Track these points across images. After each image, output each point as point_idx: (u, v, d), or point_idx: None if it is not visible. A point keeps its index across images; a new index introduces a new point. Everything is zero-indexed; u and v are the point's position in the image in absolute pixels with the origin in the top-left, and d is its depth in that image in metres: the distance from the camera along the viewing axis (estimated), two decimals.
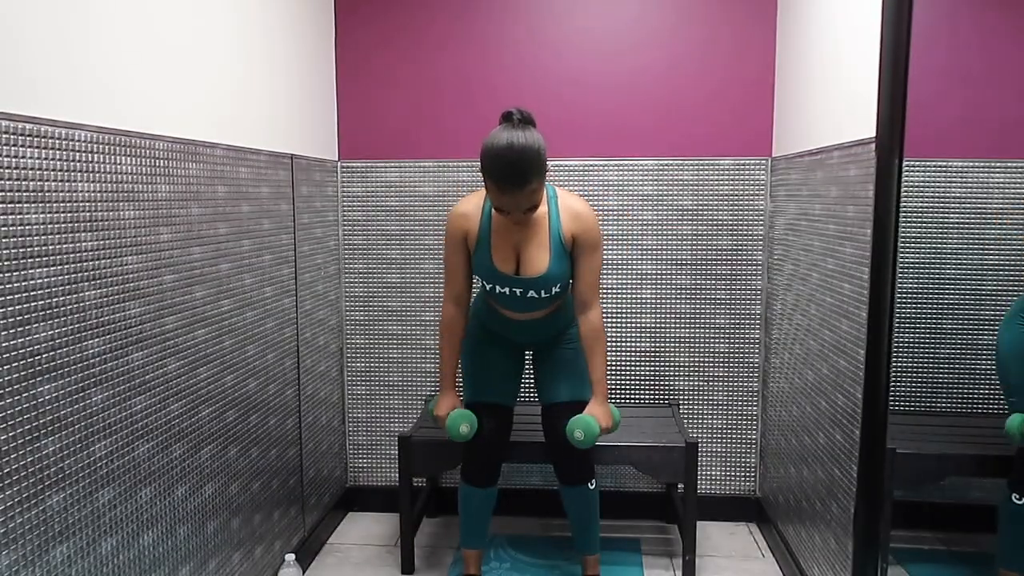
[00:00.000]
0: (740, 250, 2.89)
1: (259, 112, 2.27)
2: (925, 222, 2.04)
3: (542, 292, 2.20)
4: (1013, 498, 1.92)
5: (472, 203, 2.23)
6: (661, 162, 2.88)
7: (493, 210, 2.14)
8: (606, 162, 2.89)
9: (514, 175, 1.98)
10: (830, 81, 2.23)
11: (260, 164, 2.25)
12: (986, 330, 2.06)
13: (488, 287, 2.24)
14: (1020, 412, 1.92)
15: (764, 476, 2.93)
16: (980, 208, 2.05)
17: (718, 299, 2.91)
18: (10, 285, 1.29)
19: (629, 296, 2.92)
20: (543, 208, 2.18)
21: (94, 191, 1.50)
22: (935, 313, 2.08)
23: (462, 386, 2.42)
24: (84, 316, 1.48)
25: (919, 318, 2.08)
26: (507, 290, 2.21)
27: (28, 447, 1.34)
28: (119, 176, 1.58)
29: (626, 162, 2.88)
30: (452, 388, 2.31)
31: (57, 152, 1.40)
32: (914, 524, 2.20)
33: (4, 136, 1.27)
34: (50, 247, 1.38)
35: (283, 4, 2.44)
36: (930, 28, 1.76)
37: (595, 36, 2.86)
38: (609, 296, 2.91)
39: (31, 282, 1.34)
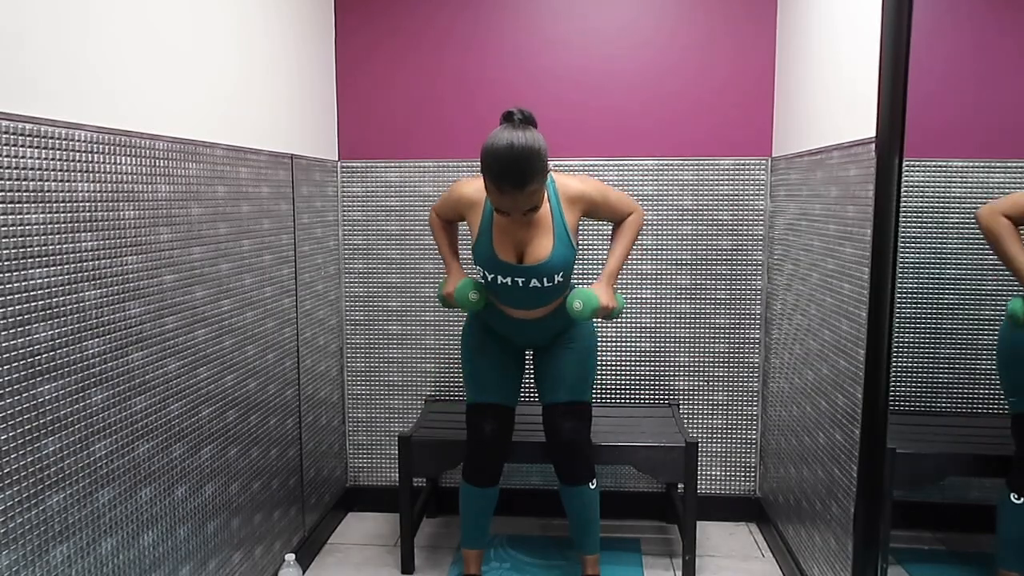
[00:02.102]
0: (740, 250, 2.89)
1: (259, 112, 2.27)
2: (925, 222, 2.04)
3: (544, 281, 2.19)
4: (1012, 498, 1.92)
5: (476, 187, 2.22)
6: (661, 162, 2.88)
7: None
8: (606, 162, 2.89)
9: (514, 176, 1.97)
10: (830, 81, 2.23)
11: (260, 164, 2.25)
12: (986, 330, 2.06)
13: (490, 278, 2.23)
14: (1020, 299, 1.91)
15: (764, 476, 2.93)
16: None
17: (718, 299, 2.92)
18: (10, 285, 1.29)
19: (629, 296, 2.92)
20: (544, 195, 2.17)
21: (94, 191, 1.50)
22: (935, 313, 2.08)
23: (462, 371, 2.43)
24: (84, 316, 1.48)
25: (919, 318, 2.08)
26: (509, 280, 2.20)
27: (28, 447, 1.34)
28: (119, 176, 1.58)
29: (626, 162, 2.88)
30: (457, 265, 2.37)
31: (57, 152, 1.40)
32: (914, 524, 2.19)
33: (4, 136, 1.27)
34: (50, 247, 1.38)
35: (283, 4, 2.43)
36: (930, 28, 1.76)
37: (595, 36, 2.86)
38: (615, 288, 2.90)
39: (31, 282, 1.34)
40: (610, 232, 2.88)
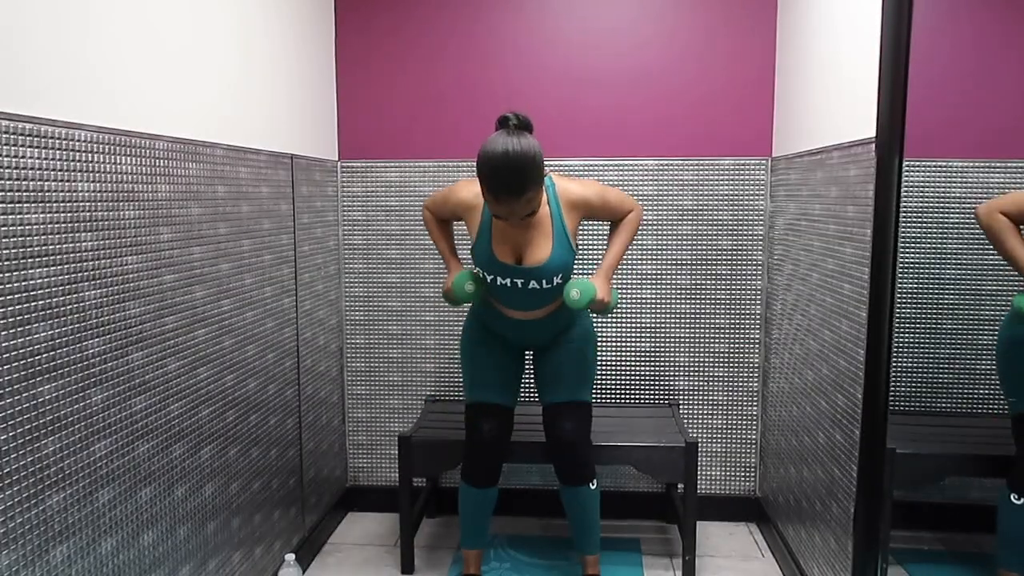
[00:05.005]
0: (740, 250, 2.89)
1: (259, 112, 2.27)
2: (925, 222, 2.04)
3: (543, 282, 2.19)
4: (1012, 498, 1.92)
5: (475, 191, 2.20)
6: (661, 162, 2.88)
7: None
8: (606, 162, 2.89)
9: (510, 185, 1.96)
10: (830, 81, 2.23)
11: (260, 164, 2.25)
12: (986, 330, 2.06)
13: (489, 279, 2.23)
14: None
15: (764, 476, 2.93)
16: None
17: (718, 299, 2.91)
18: (10, 285, 1.29)
19: (629, 296, 2.92)
20: (543, 198, 2.17)
21: (94, 191, 1.50)
22: (935, 313, 2.08)
23: (461, 371, 2.43)
24: (84, 316, 1.48)
25: (919, 318, 2.08)
26: (508, 282, 2.20)
27: (28, 447, 1.34)
28: (119, 176, 1.58)
29: (626, 162, 2.88)
30: (456, 261, 2.37)
31: (57, 152, 1.40)
32: (914, 524, 2.19)
33: (4, 136, 1.27)
34: (50, 247, 1.38)
35: (283, 4, 2.43)
36: (930, 28, 1.76)
37: (596, 36, 2.86)
38: (613, 287, 2.90)
39: (31, 282, 1.34)
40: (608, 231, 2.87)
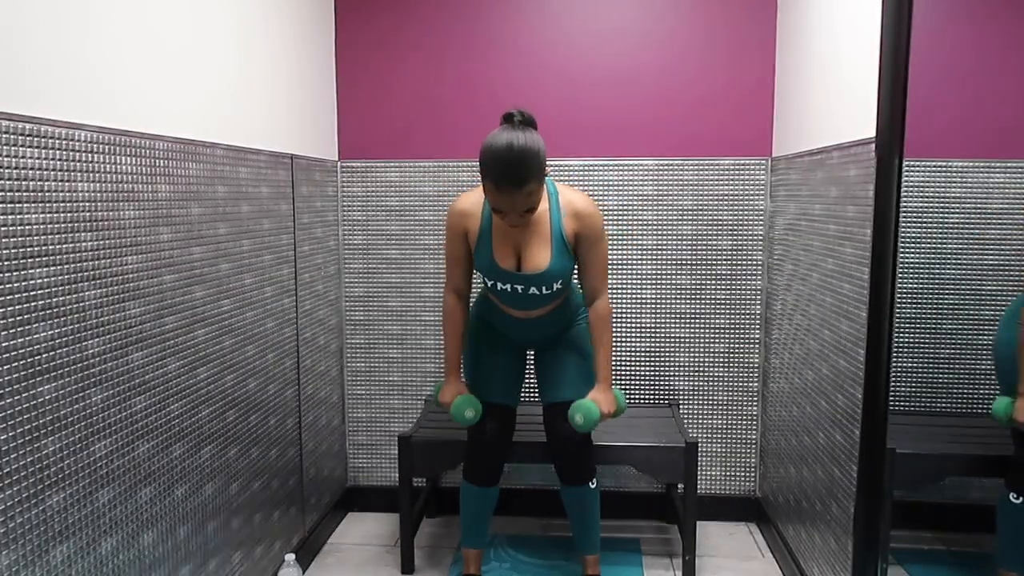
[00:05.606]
0: (740, 250, 2.89)
1: (259, 112, 2.27)
2: (925, 222, 2.04)
3: (543, 288, 2.20)
4: (1012, 498, 1.92)
5: (472, 200, 2.23)
6: (661, 162, 2.88)
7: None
8: (606, 162, 2.89)
9: (512, 176, 1.97)
10: (830, 81, 2.23)
11: (260, 164, 2.25)
12: (986, 330, 2.06)
13: (489, 284, 2.24)
14: (1006, 396, 1.92)
15: (764, 476, 2.93)
16: (980, 208, 2.04)
17: (718, 299, 2.92)
18: (10, 285, 1.29)
19: (629, 296, 2.93)
20: (544, 204, 2.18)
21: (94, 191, 1.50)
22: (935, 313, 2.08)
23: (463, 371, 2.42)
24: (84, 316, 1.48)
25: (919, 318, 2.08)
26: (508, 287, 2.21)
27: (28, 447, 1.34)
28: (119, 176, 1.58)
29: (626, 162, 2.89)
30: (456, 374, 2.33)
31: (57, 152, 1.40)
32: (914, 524, 2.19)
33: (4, 136, 1.27)
34: (50, 247, 1.38)
35: (283, 4, 2.44)
36: (930, 28, 1.76)
37: (596, 36, 2.86)
38: (610, 296, 2.90)
39: (31, 282, 1.34)
40: (609, 236, 2.88)
